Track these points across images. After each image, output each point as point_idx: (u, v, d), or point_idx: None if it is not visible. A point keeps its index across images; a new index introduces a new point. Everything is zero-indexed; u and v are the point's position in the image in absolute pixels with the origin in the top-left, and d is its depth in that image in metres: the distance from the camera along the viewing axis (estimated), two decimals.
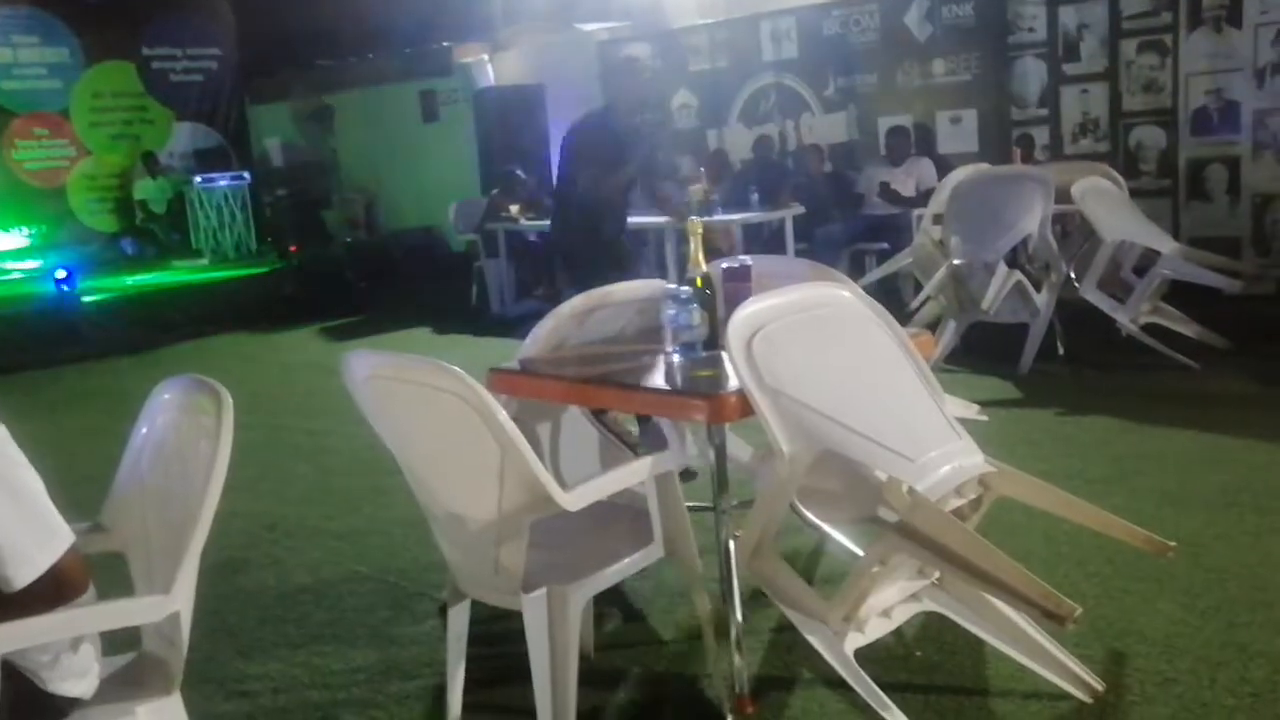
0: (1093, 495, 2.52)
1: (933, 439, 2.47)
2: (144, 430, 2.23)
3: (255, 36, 13.55)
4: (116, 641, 2.13)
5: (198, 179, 12.61)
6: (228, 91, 13.98)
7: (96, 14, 12.63)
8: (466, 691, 2.67)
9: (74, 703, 1.93)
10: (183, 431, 2.13)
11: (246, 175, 12.96)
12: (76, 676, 1.94)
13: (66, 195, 12.82)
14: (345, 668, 3.04)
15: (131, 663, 2.13)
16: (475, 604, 2.62)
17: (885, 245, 7.76)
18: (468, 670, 2.67)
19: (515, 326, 5.96)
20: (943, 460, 2.42)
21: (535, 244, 9.44)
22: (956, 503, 2.44)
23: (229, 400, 2.03)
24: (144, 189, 12.79)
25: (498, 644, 3.02)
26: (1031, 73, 8.04)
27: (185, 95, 13.63)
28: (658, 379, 2.61)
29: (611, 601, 3.24)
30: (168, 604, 1.91)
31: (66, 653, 1.92)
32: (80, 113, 12.83)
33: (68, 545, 1.83)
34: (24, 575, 1.76)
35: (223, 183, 12.66)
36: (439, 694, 2.68)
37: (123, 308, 9.79)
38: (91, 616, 1.92)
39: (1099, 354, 5.96)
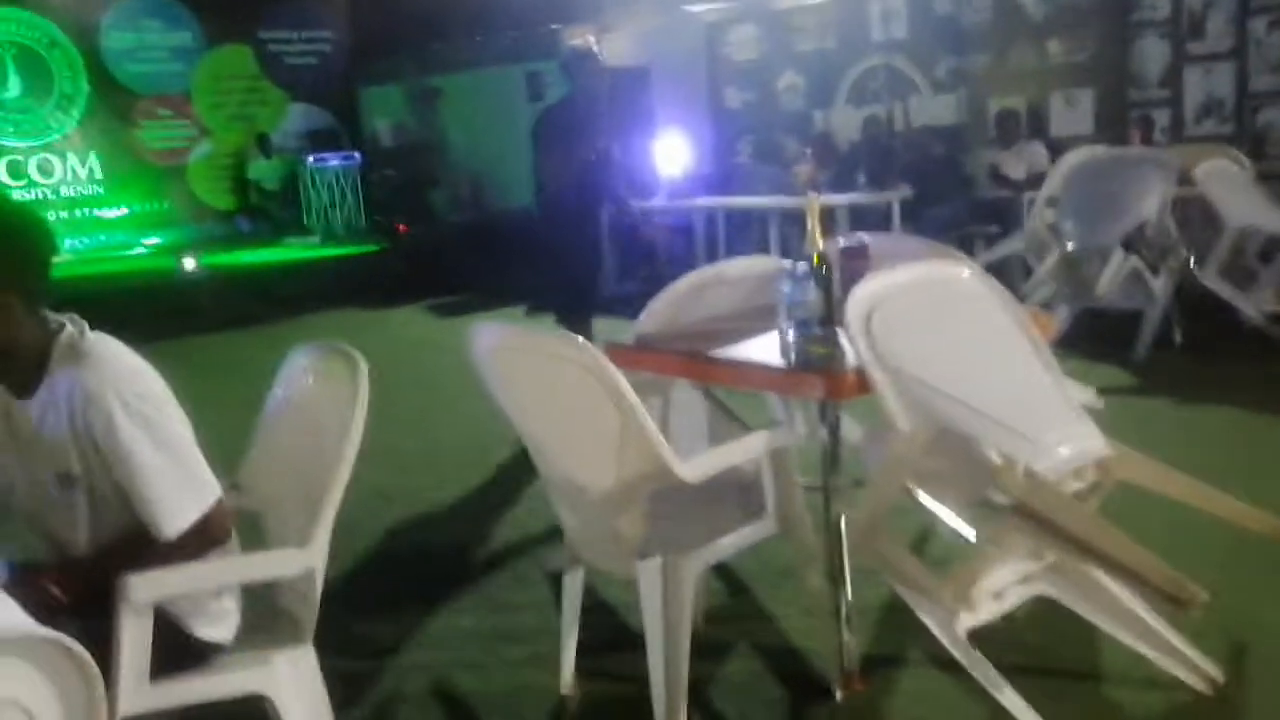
0: (1215, 486, 2.46)
1: (1052, 420, 2.44)
2: (280, 393, 2.33)
3: (366, 20, 13.82)
4: (251, 596, 2.23)
5: (310, 159, 12.93)
6: (339, 74, 14.29)
7: None
8: (579, 657, 2.73)
9: (215, 647, 2.04)
10: (318, 395, 2.22)
11: (357, 155, 13.25)
12: (217, 623, 2.05)
13: (187, 174, 13.26)
14: (457, 631, 3.13)
15: (267, 614, 2.23)
16: (592, 575, 2.68)
17: (995, 229, 7.63)
18: (580, 637, 2.73)
19: (618, 305, 6.00)
20: (1062, 441, 2.39)
21: (638, 224, 9.48)
22: (1075, 486, 2.41)
23: (364, 365, 2.11)
24: (258, 169, 13.18)
25: (611, 613, 3.08)
26: (1152, 52, 7.80)
27: (299, 77, 13.97)
28: (773, 356, 2.62)
29: (722, 577, 3.28)
30: (305, 558, 2.00)
31: (210, 600, 2.02)
32: (201, 94, 13.25)
33: (216, 498, 1.93)
34: (176, 525, 1.86)
35: (334, 163, 12.96)
36: (551, 659, 2.74)
37: (239, 283, 10.12)
38: (237, 567, 2.03)
39: (1219, 343, 5.78)
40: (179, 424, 1.93)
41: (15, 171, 12.13)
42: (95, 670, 1.37)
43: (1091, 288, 5.67)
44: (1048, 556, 2.58)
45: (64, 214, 12.31)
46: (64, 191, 12.49)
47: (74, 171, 12.55)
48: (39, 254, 1.93)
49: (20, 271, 1.89)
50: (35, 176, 12.26)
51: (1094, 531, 2.16)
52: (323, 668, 2.16)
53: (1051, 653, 2.72)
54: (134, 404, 1.85)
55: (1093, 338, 5.79)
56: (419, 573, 3.60)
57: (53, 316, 1.96)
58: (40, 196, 12.13)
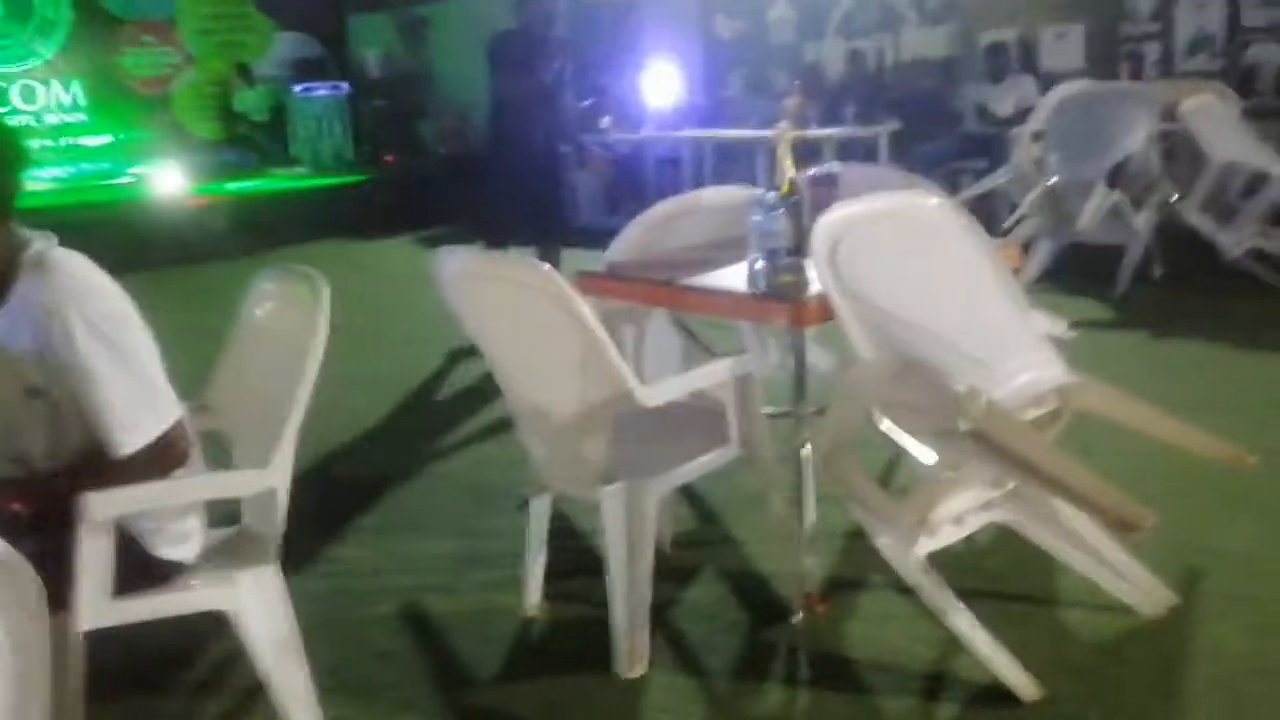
0: (1180, 417, 2.49)
1: (1013, 349, 2.46)
2: (246, 316, 2.34)
3: None
4: (218, 517, 2.26)
5: (298, 89, 12.77)
6: (328, 1, 14.05)
7: None
8: (545, 581, 2.78)
9: (178, 567, 2.07)
10: (281, 317, 2.23)
11: (345, 86, 13.08)
12: (180, 542, 2.07)
13: (172, 103, 13.10)
14: (429, 555, 3.18)
15: (232, 535, 2.27)
16: (559, 500, 2.71)
17: (983, 163, 7.59)
18: (547, 562, 2.78)
19: (604, 238, 6.00)
20: (1022, 369, 2.41)
21: (628, 157, 9.45)
22: (1034, 413, 2.44)
23: (325, 288, 2.12)
24: (243, 100, 12.99)
25: (577, 538, 3.13)
26: None
27: (287, 5, 13.70)
28: (740, 284, 2.63)
29: (690, 504, 3.32)
30: (266, 477, 2.03)
31: (173, 519, 2.05)
32: (185, 21, 13.01)
33: (176, 417, 1.94)
34: (134, 441, 1.88)
35: (321, 93, 12.80)
36: (518, 583, 2.78)
37: (225, 213, 10.05)
38: (197, 485, 2.05)
39: (1199, 278, 5.80)
40: (141, 342, 1.93)
41: None
42: (36, 584, 1.39)
43: (1074, 222, 5.67)
44: (1008, 483, 2.62)
45: (48, 142, 12.17)
46: (47, 119, 12.34)
47: (57, 99, 12.39)
48: (9, 164, 1.92)
49: None
50: (18, 103, 12.10)
51: (1048, 458, 2.19)
52: (293, 590, 2.20)
53: (1009, 578, 2.77)
54: (95, 320, 1.85)
55: (1074, 272, 5.81)
56: (395, 499, 3.64)
57: (24, 231, 1.96)
58: (24, 123, 11.98)
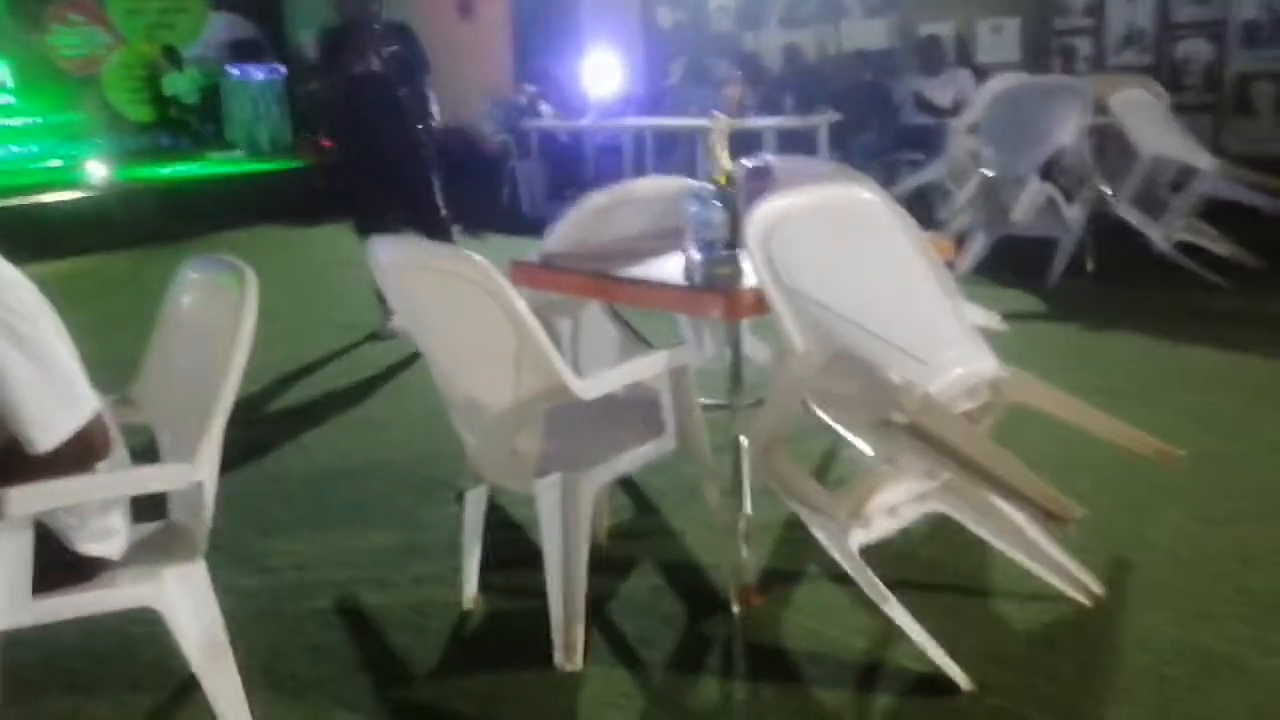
0: (1111, 410, 2.52)
1: (946, 341, 2.48)
2: (171, 307, 2.29)
3: None
4: (144, 512, 2.21)
5: (232, 71, 12.54)
6: None
7: None
8: (482, 574, 2.75)
9: (101, 563, 2.02)
10: (208, 308, 2.18)
11: (281, 68, 12.87)
12: (104, 538, 2.02)
13: (102, 84, 12.79)
14: (367, 548, 3.14)
15: (158, 530, 2.22)
16: (498, 492, 2.68)
17: (920, 155, 7.67)
18: (485, 554, 2.75)
19: (544, 227, 5.98)
20: (955, 362, 2.43)
21: (567, 144, 9.41)
22: (967, 406, 2.46)
23: (253, 277, 2.08)
24: (172, 83, 12.73)
25: (515, 530, 3.11)
26: None
27: None
28: (676, 275, 2.63)
29: (628, 494, 3.31)
30: (191, 473, 1.98)
31: (95, 515, 1.99)
32: (116, 0, 12.73)
33: (92, 412, 1.89)
34: (48, 439, 1.82)
35: (258, 75, 12.59)
36: (456, 576, 2.76)
37: (157, 198, 9.85)
38: (118, 481, 2.00)
39: (1129, 271, 5.91)
40: (53, 336, 1.88)
41: None
42: None
43: (1008, 215, 5.75)
44: (942, 475, 2.65)
45: None
46: None
47: None
48: None
49: None
50: None
51: (980, 450, 2.21)
52: (229, 584, 2.17)
53: (943, 568, 2.80)
54: (3, 315, 1.80)
55: (1008, 265, 5.88)
56: (332, 491, 3.59)
57: None
58: None
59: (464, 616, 2.72)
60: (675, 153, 8.86)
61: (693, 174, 7.50)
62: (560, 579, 2.42)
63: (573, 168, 9.39)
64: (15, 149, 12.08)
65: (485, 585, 2.76)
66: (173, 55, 12.73)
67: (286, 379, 4.85)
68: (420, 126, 5.40)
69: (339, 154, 5.69)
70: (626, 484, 3.30)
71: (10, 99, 12.20)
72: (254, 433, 4.08)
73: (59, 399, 1.84)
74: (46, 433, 1.82)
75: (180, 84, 12.72)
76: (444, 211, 5.46)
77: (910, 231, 2.64)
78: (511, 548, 2.99)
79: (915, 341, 2.42)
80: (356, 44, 5.15)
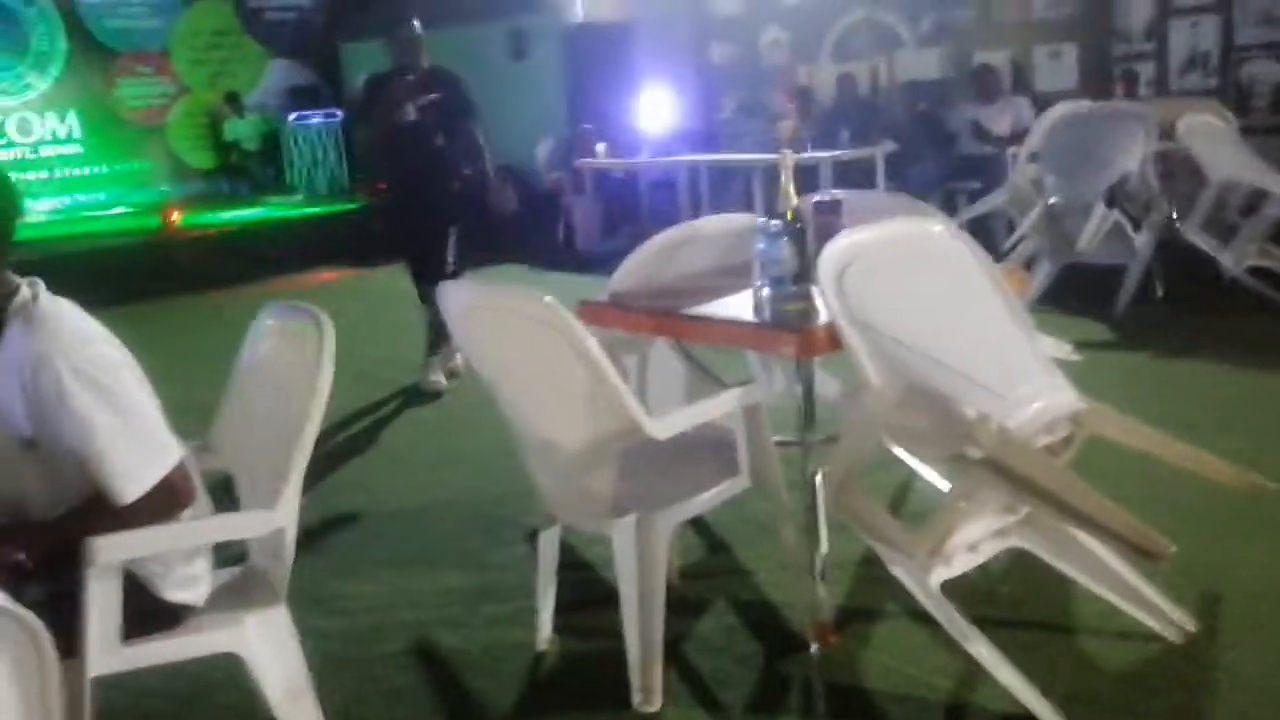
0: (1189, 440, 2.47)
1: (1023, 375, 2.44)
2: (248, 354, 2.31)
3: None
4: (225, 556, 2.23)
5: (292, 117, 12.80)
6: (320, 29, 14.09)
7: None
8: (556, 615, 2.74)
9: (186, 609, 2.04)
10: (285, 355, 2.20)
11: (339, 113, 13.10)
12: (189, 585, 2.04)
13: (167, 133, 13.11)
14: (438, 590, 3.14)
15: (239, 576, 2.24)
16: (569, 532, 2.68)
17: (978, 185, 7.61)
18: (558, 595, 2.75)
19: (601, 263, 5.99)
20: (1033, 396, 2.39)
21: (621, 181, 9.47)
22: (1046, 440, 2.42)
23: (329, 325, 2.10)
24: (234, 129, 13.03)
25: (588, 570, 3.10)
26: (1137, 5, 7.75)
27: (279, 33, 13.79)
28: (746, 312, 2.61)
29: (698, 533, 3.29)
30: (273, 519, 2.00)
31: (180, 563, 2.02)
32: (180, 51, 13.07)
33: (175, 461, 1.91)
34: (133, 490, 1.85)
35: (315, 120, 12.83)
36: (529, 617, 2.75)
37: (221, 243, 10.05)
38: (202, 529, 2.02)
39: (1200, 298, 5.79)
40: (134, 388, 1.90)
41: None
42: (44, 634, 1.36)
43: (1073, 243, 5.67)
44: (1022, 510, 2.60)
45: (43, 173, 12.19)
46: (43, 151, 12.35)
47: (53, 130, 12.40)
48: (3, 214, 1.90)
49: None
50: (14, 135, 12.11)
51: (1064, 485, 2.17)
52: (303, 627, 2.17)
53: (1025, 605, 2.74)
54: (84, 368, 1.82)
55: (1074, 293, 5.79)
56: (402, 532, 3.61)
57: (13, 278, 1.93)
58: (19, 156, 11.99)
59: (539, 658, 2.71)
60: (730, 187, 8.88)
61: (749, 208, 7.53)
62: (637, 619, 2.40)
63: (627, 204, 9.43)
64: (82, 197, 12.41)
65: (559, 626, 2.75)
66: (235, 101, 13.04)
67: (353, 419, 4.89)
68: (464, 173, 5.42)
69: (388, 198, 5.74)
70: (697, 523, 3.28)
71: (78, 148, 12.55)
72: (322, 473, 4.11)
73: (142, 450, 1.87)
74: (131, 484, 1.85)
75: (242, 129, 13.01)
76: (452, 267, 5.42)
77: (982, 263, 2.60)
78: (584, 588, 2.98)
79: (991, 375, 2.38)
80: (397, 93, 5.19)
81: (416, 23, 5.32)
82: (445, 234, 5.42)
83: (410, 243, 5.50)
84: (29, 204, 10.99)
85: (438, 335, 5.24)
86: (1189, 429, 3.82)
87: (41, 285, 1.93)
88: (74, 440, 1.83)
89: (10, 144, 12.03)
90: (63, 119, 12.42)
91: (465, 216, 5.49)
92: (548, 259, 8.89)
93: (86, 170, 12.61)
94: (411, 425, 4.83)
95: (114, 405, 1.85)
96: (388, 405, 5.16)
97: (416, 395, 5.29)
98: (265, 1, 13.65)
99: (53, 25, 12.26)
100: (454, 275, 5.34)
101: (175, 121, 13.16)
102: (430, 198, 5.36)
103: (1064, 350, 2.92)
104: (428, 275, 5.35)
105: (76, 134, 12.53)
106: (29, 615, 1.36)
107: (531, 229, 10.16)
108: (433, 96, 5.25)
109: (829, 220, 2.74)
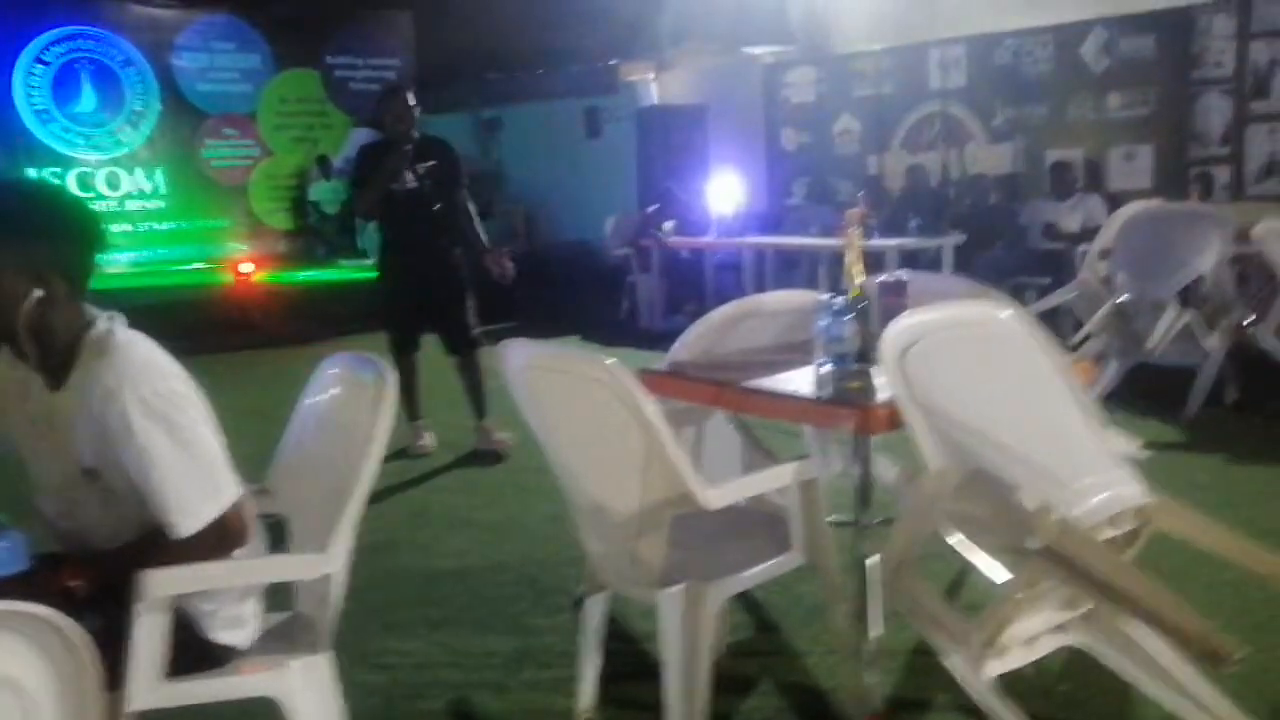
0: (1261, 546, 2.39)
1: (1088, 466, 2.39)
2: (309, 400, 2.34)
3: (431, 50, 13.99)
4: (273, 601, 2.24)
5: None
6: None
7: (287, 24, 13.30)
8: (598, 684, 2.70)
9: (232, 651, 2.04)
10: (346, 403, 2.23)
11: None
12: (236, 626, 2.05)
13: (248, 193, 13.49)
14: (481, 651, 3.11)
15: (286, 621, 2.24)
16: (615, 603, 2.65)
17: (1047, 280, 7.53)
18: (603, 663, 2.71)
19: (663, 339, 6.02)
20: (1098, 488, 2.33)
21: (687, 260, 9.53)
22: (1111, 533, 2.35)
23: (391, 375, 2.12)
24: (318, 191, 13.37)
25: (633, 642, 3.05)
26: (1214, 109, 7.71)
27: (363, 103, 14.15)
28: (806, 387, 2.60)
29: (747, 611, 3.24)
30: (323, 563, 2.00)
31: (230, 603, 2.02)
32: (266, 116, 13.48)
33: (233, 500, 1.93)
34: (189, 525, 1.87)
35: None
36: (571, 684, 2.71)
37: (293, 301, 10.26)
38: (251, 568, 2.03)
39: (1272, 403, 5.65)
40: (201, 424, 1.93)
41: (84, 183, 12.39)
42: (90, 651, 1.37)
43: (1143, 342, 5.57)
44: (1082, 605, 2.52)
45: (128, 226, 12.56)
46: (129, 205, 12.75)
47: (139, 186, 12.82)
48: (87, 241, 1.96)
49: (67, 255, 1.92)
50: (103, 189, 12.53)
51: (1128, 579, 2.10)
52: (344, 679, 2.16)
53: (1083, 705, 2.65)
54: (152, 401, 1.85)
55: (1142, 394, 5.68)
56: (449, 592, 3.59)
57: (92, 310, 1.98)
58: (105, 209, 12.39)
59: None
60: (795, 272, 8.89)
61: (814, 285, 7.52)
62: (681, 693, 2.35)
63: (692, 283, 9.47)
64: (164, 251, 12.76)
65: (601, 696, 2.71)
66: (324, 165, 13.40)
67: (406, 477, 4.92)
68: (457, 245, 5.45)
69: (376, 268, 5.74)
70: (746, 601, 3.23)
71: (161, 204, 12.95)
72: (372, 528, 4.11)
73: (202, 485, 1.89)
74: (187, 518, 1.86)
75: (325, 193, 13.35)
76: (475, 330, 5.46)
77: (1049, 352, 2.57)
78: (628, 659, 2.93)
79: (1055, 465, 2.33)
80: (396, 161, 5.24)
81: (410, 93, 5.38)
82: (458, 299, 5.46)
83: (398, 311, 5.52)
84: (113, 256, 11.36)
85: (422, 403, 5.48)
86: (1259, 536, 3.71)
87: (120, 319, 1.98)
88: (135, 471, 1.86)
89: (99, 197, 12.44)
90: (150, 176, 12.84)
91: (474, 282, 5.53)
92: (609, 334, 8.93)
93: (168, 225, 12.98)
94: (466, 486, 4.84)
95: (177, 439, 1.87)
96: (439, 464, 5.19)
97: (467, 455, 5.32)
98: (352, 72, 14.07)
99: (149, 86, 12.74)
100: (475, 342, 5.41)
101: (256, 182, 13.53)
102: (433, 264, 5.40)
103: (1133, 447, 2.86)
104: (450, 342, 5.47)
105: (162, 190, 12.93)
106: (86, 639, 1.37)
107: (595, 304, 10.25)
108: (430, 164, 5.33)
109: (894, 300, 2.73)
